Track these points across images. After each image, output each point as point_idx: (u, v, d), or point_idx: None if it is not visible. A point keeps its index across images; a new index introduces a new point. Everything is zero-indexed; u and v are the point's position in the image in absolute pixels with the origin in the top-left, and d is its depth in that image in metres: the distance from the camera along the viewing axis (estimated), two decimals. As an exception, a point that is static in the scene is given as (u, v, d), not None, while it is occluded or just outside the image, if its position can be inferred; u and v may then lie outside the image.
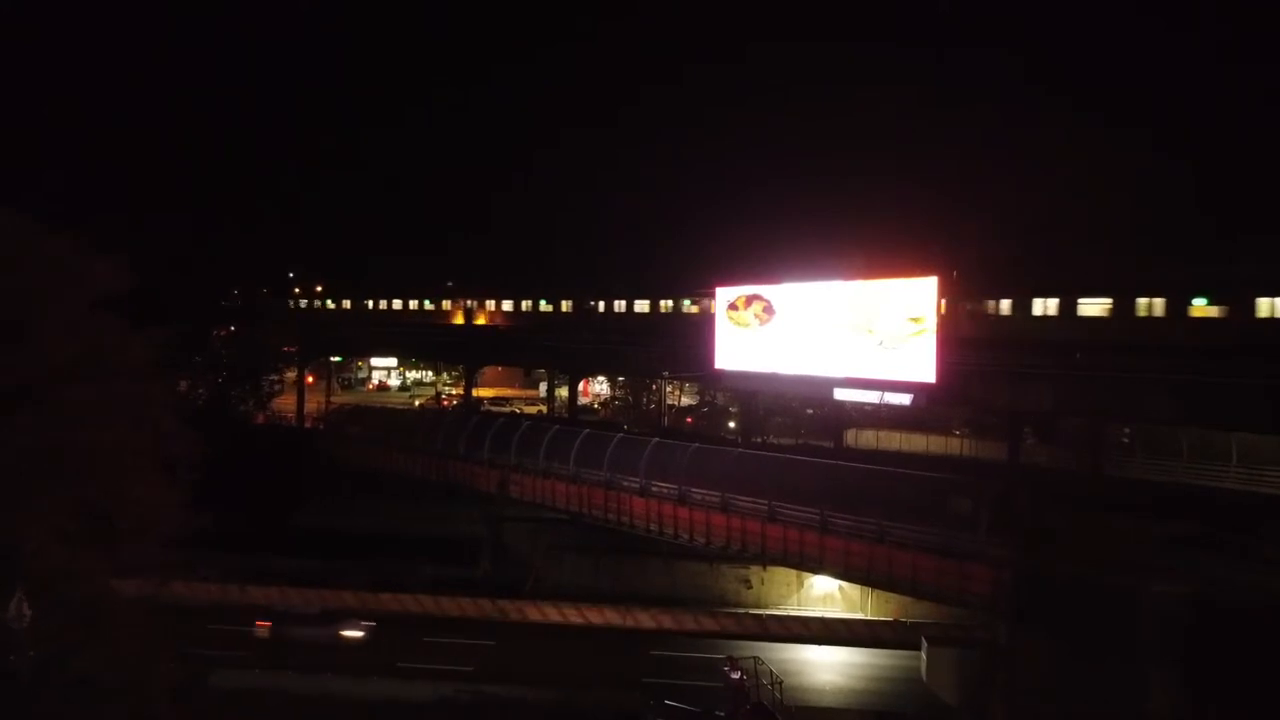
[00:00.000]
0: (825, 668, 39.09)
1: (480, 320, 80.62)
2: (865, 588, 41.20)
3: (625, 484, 43.06)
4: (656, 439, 48.29)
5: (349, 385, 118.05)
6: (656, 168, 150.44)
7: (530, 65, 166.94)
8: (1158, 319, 40.13)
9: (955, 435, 69.26)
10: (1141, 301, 40.84)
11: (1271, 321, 37.06)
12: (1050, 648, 28.25)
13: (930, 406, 51.40)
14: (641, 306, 68.64)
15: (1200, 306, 39.30)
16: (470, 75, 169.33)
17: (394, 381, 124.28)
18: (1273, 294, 37.13)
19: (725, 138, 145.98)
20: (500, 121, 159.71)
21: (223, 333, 75.17)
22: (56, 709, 23.76)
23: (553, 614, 43.79)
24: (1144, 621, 26.67)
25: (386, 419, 67.03)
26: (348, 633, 40.90)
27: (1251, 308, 37.62)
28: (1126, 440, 58.04)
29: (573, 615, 43.63)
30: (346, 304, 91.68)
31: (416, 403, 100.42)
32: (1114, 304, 41.57)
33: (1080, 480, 46.02)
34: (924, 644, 32.91)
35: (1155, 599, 26.74)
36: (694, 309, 63.56)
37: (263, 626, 41.06)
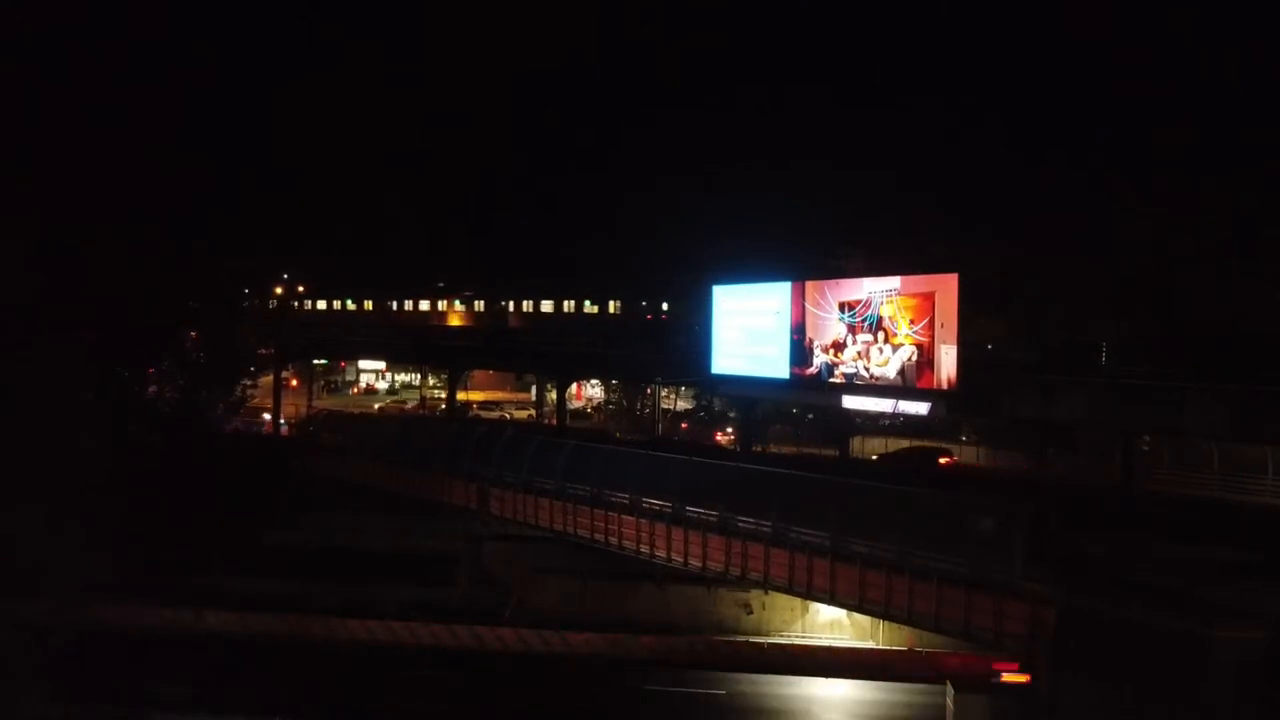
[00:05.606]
0: (832, 705, 35.21)
1: (459, 322, 77.12)
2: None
3: (614, 500, 39.39)
4: (649, 451, 44.62)
5: (336, 389, 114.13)
6: (655, 165, 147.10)
7: (529, 67, 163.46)
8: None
9: (964, 443, 65.89)
10: None
11: None
12: (1098, 697, 24.62)
13: (950, 416, 47.59)
14: (635, 306, 65.27)
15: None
16: (466, 78, 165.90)
17: (382, 385, 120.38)
18: None
19: (727, 136, 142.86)
20: (496, 122, 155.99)
21: (194, 334, 71.16)
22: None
23: (535, 642, 40.12)
24: (1210, 668, 23.07)
25: (364, 426, 63.34)
26: None
27: None
28: (1147, 448, 54.59)
29: (557, 643, 39.98)
30: (332, 304, 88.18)
31: (408, 405, 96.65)
32: None
33: (1111, 495, 42.40)
34: (950, 689, 29.25)
35: (1222, 644, 23.14)
36: (689, 310, 60.26)
37: None
